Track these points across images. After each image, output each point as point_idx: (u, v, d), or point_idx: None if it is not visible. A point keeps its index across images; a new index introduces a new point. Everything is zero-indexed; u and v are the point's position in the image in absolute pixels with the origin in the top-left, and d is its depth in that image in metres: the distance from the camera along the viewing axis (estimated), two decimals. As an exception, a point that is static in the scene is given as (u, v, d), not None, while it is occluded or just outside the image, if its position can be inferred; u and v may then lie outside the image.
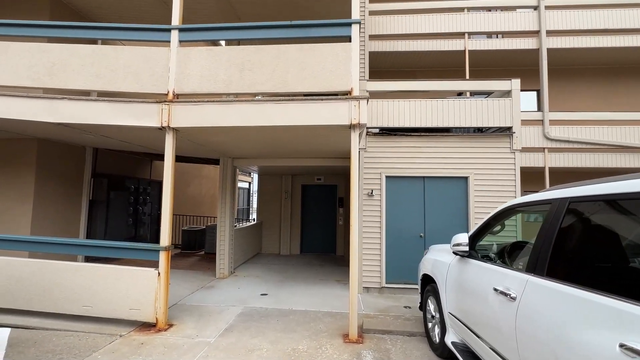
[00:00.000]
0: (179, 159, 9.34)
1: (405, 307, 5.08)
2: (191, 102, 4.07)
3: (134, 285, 3.99)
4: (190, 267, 7.42)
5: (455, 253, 3.02)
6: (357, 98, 3.88)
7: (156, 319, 3.93)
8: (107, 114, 4.12)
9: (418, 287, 4.09)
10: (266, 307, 4.82)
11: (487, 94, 6.13)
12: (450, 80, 6.15)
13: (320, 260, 8.50)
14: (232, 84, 4.10)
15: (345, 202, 9.26)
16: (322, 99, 3.91)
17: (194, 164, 12.34)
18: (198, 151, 6.32)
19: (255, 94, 4.10)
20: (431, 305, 3.60)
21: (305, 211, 9.75)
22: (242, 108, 3.99)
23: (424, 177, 5.86)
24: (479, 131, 5.94)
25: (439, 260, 3.37)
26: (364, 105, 3.88)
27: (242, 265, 7.68)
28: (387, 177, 5.85)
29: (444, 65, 8.67)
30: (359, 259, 5.68)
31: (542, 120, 7.49)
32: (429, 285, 3.70)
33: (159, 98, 4.11)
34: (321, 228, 9.65)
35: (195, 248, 8.77)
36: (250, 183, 22.44)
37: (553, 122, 7.48)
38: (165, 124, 4.05)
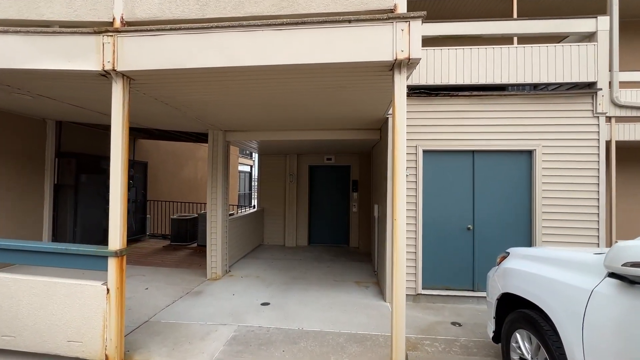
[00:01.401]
0: (159, 135, 7.93)
1: (454, 324, 3.80)
2: (147, 31, 2.66)
3: (72, 307, 2.72)
4: (178, 264, 6.19)
5: (614, 276, 1.66)
6: (405, 18, 2.44)
7: (105, 355, 2.67)
8: (22, 54, 2.74)
9: (491, 311, 2.75)
10: (268, 327, 3.55)
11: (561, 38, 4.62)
12: (516, 21, 4.63)
13: (332, 254, 7.24)
14: (210, 4, 2.67)
15: (361, 186, 7.91)
16: (349, 21, 2.48)
17: (187, 144, 11.02)
18: (175, 120, 4.95)
19: (244, 19, 2.69)
20: (524, 344, 2.29)
21: (313, 196, 8.43)
22: (225, 39, 2.58)
23: (473, 152, 4.46)
24: (546, 89, 4.47)
25: (557, 280, 2.00)
26: (417, 28, 2.45)
27: (239, 262, 6.44)
28: (424, 151, 4.46)
29: (487, 12, 7.03)
30: (397, 260, 4.38)
31: (609, 82, 5.96)
32: (517, 312, 2.38)
33: (101, 27, 2.71)
34: (332, 216, 8.35)
35: (186, 240, 7.55)
36: (252, 166, 21.13)
37: (624, 85, 5.95)
38: (109, 67, 2.66)
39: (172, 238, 7.65)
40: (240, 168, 18.53)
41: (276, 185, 8.33)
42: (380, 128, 5.19)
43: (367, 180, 7.81)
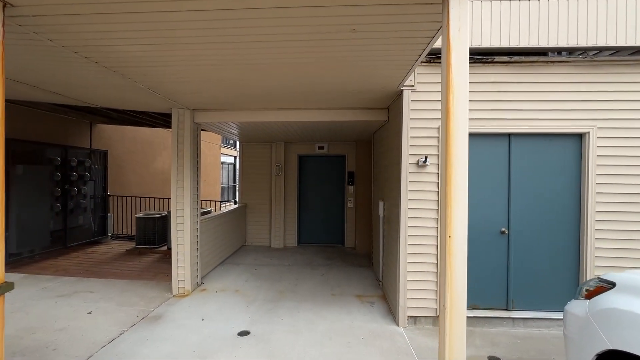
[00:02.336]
0: (120, 119, 6.63)
1: (491, 358, 2.90)
2: None
3: None
4: (140, 274, 5.08)
5: None
6: None
7: None
8: None
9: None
10: (245, 378, 2.55)
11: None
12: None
13: (326, 257, 6.27)
14: None
15: (358, 178, 6.92)
16: None
17: (160, 130, 9.75)
18: (124, 94, 3.76)
19: None
20: None
21: (303, 190, 7.40)
22: None
23: (509, 135, 3.52)
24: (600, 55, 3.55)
25: None
26: None
27: (215, 270, 5.38)
28: (449, 134, 3.48)
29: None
30: (402, 272, 3.43)
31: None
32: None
33: None
34: (324, 212, 7.36)
35: (154, 242, 6.42)
36: (236, 157, 19.84)
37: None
38: (-45, -26, 1.53)
39: (137, 240, 6.49)
40: (224, 159, 17.25)
41: (260, 178, 7.25)
42: (389, 107, 4.19)
43: (366, 172, 6.83)
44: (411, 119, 3.45)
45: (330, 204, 7.34)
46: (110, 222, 7.29)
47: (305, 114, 4.33)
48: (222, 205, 11.42)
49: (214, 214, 5.62)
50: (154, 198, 9.05)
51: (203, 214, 6.40)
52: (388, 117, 4.24)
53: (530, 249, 3.49)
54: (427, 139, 3.48)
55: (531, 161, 3.51)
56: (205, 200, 9.64)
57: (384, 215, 4.51)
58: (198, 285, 4.60)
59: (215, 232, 5.42)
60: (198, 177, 4.66)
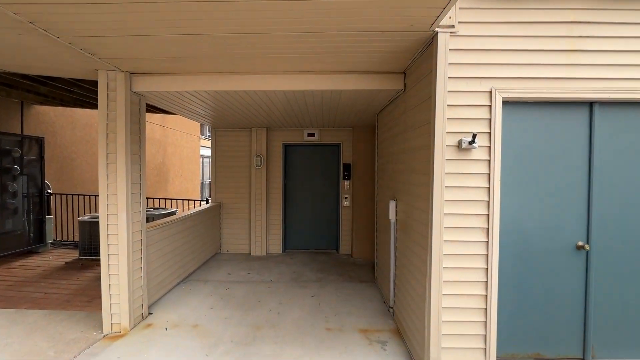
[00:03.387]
0: (51, 95, 4.55)
1: None
2: None
3: None
4: (71, 299, 3.79)
5: None
6: None
7: None
8: None
9: None
10: None
11: None
12: None
13: (317, 268, 5.09)
14: None
15: (356, 171, 5.74)
16: None
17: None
18: (26, 42, 2.46)
19: None
20: None
21: (289, 186, 6.18)
22: None
23: (591, 103, 2.39)
24: None
25: None
26: None
27: (173, 292, 4.13)
28: (506, 102, 2.33)
29: None
30: (434, 307, 2.27)
31: None
32: None
33: None
34: (315, 212, 6.17)
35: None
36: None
37: None
38: None
39: (81, 250, 5.16)
40: (204, 152, 15.82)
41: (237, 172, 5.99)
42: (405, 71, 3.00)
43: (366, 163, 5.65)
44: (451, 79, 2.28)
45: (323, 203, 6.15)
46: (51, 227, 5.91)
47: (290, 81, 3.10)
48: (194, 205, 10.10)
49: (172, 218, 4.35)
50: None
51: (163, 216, 5.11)
52: (405, 84, 3.05)
53: (622, 272, 2.39)
54: (473, 109, 2.31)
55: (627, 143, 2.39)
56: (176, 200, 8.31)
57: (396, 219, 3.35)
58: (143, 317, 3.35)
59: (173, 242, 4.16)
60: (142, 170, 3.38)
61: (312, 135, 5.95)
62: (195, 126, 13.72)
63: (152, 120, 10.20)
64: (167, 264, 3.99)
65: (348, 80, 3.08)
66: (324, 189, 6.14)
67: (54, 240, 6.06)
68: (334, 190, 6.12)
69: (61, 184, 6.74)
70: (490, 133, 2.29)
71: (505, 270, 2.40)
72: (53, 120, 6.58)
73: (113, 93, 3.04)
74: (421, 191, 2.53)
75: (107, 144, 3.04)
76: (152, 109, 5.38)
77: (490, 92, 2.28)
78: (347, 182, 5.90)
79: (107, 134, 3.04)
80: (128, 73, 3.08)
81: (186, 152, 13.01)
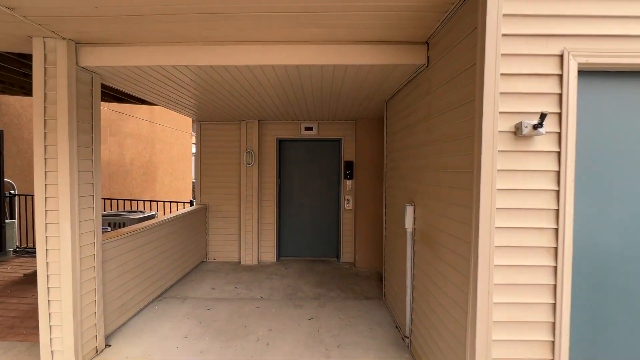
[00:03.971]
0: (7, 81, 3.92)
1: None
2: None
3: None
4: (16, 324, 3.10)
5: None
6: None
7: None
8: None
9: None
10: None
11: None
12: None
13: (316, 281, 4.42)
14: None
15: (359, 170, 5.07)
16: None
17: (104, 110, 7.59)
18: None
19: None
20: None
21: (284, 186, 5.51)
22: None
23: (697, 75, 1.73)
24: None
25: None
26: None
27: (142, 315, 3.44)
28: (583, 71, 1.66)
29: None
30: (480, 352, 1.61)
31: None
32: None
33: None
34: (313, 215, 5.51)
35: (69, 262, 4.44)
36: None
37: None
38: None
39: (43, 260, 4.47)
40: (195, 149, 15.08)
41: (226, 170, 5.31)
42: (428, 42, 2.34)
43: (371, 160, 4.99)
44: (506, 38, 1.61)
45: (321, 205, 5.49)
46: (14, 232, 5.20)
47: (283, 54, 2.43)
48: (184, 207, 9.43)
49: (142, 225, 3.65)
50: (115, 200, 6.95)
51: (138, 220, 4.43)
52: (428, 57, 2.39)
53: None
54: (535, 80, 1.65)
55: None
56: (164, 202, 7.63)
57: (414, 228, 2.69)
58: (97, 352, 2.67)
59: (144, 253, 3.47)
60: (96, 167, 2.69)
61: (310, 129, 5.28)
62: (187, 122, 13.01)
63: (139, 115, 9.51)
64: (135, 281, 3.31)
65: (356, 53, 2.41)
66: (323, 189, 5.47)
67: (17, 247, 5.36)
68: (334, 191, 5.45)
69: (29, 184, 6.03)
70: (560, 114, 1.63)
71: (581, 308, 1.74)
72: (19, 113, 5.87)
73: (53, 68, 2.35)
74: (457, 196, 1.87)
75: (44, 133, 2.36)
76: (125, 97, 4.68)
77: (561, 55, 1.62)
78: (349, 182, 5.24)
79: (44, 120, 2.36)
80: (73, 42, 2.39)
81: (177, 150, 12.29)
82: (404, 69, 2.59)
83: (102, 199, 7.03)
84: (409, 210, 2.72)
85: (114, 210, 5.28)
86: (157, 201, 6.43)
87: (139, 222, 4.39)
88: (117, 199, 7.14)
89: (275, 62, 2.46)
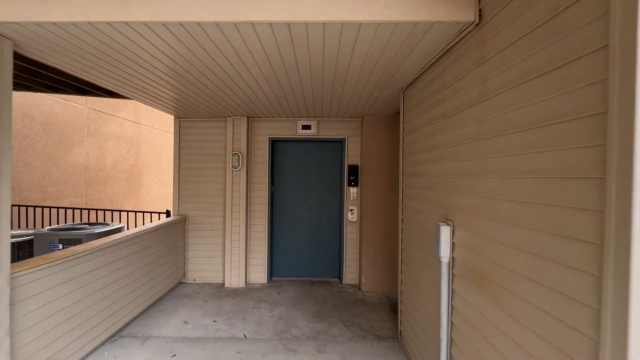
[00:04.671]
0: None
1: None
2: None
3: None
4: None
5: None
6: None
7: None
8: None
9: None
10: None
11: None
12: None
13: (314, 312, 3.62)
14: None
15: (366, 175, 4.29)
16: None
17: (81, 108, 6.84)
18: None
19: None
20: None
21: (278, 194, 4.73)
22: None
23: None
24: None
25: None
26: None
27: (89, 360, 2.62)
28: None
29: None
30: None
31: None
32: None
33: None
34: (311, 228, 4.72)
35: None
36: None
37: None
38: None
39: (-20, 283, 3.64)
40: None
41: (209, 175, 4.52)
42: None
43: (380, 164, 4.23)
44: None
45: (321, 216, 4.70)
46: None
47: (266, 5, 1.67)
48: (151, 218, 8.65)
49: (87, 246, 2.84)
50: (65, 208, 6.15)
51: (98, 236, 3.64)
52: (480, 11, 1.64)
53: None
54: None
55: None
56: (150, 212, 6.82)
57: (453, 258, 1.91)
58: None
59: (90, 284, 2.65)
60: (4, 170, 1.90)
61: (308, 127, 4.52)
62: (168, 119, 12.25)
63: (123, 114, 8.75)
64: (74, 321, 2.50)
65: (372, 4, 1.66)
66: (322, 198, 4.69)
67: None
68: (335, 200, 4.67)
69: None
70: None
71: None
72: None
73: None
74: (554, 219, 1.10)
75: None
76: (90, 88, 3.92)
77: None
78: (353, 190, 4.47)
79: None
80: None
81: (166, 153, 11.50)
82: (440, 33, 1.83)
83: (80, 209, 6.23)
84: (445, 232, 1.94)
85: (73, 223, 4.49)
86: (147, 212, 5.62)
87: (98, 237, 3.59)
88: (82, 209, 6.30)
89: (255, 18, 1.70)
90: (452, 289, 1.93)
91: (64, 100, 6.80)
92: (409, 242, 2.79)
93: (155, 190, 10.66)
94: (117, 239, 3.08)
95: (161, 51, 2.14)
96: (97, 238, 3.64)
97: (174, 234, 4.27)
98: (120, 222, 6.21)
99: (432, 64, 2.28)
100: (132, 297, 3.29)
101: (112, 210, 6.21)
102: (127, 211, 5.82)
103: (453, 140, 1.94)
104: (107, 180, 8.20)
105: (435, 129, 2.23)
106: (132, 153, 9.36)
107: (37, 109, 6.12)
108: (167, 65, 2.42)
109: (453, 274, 1.93)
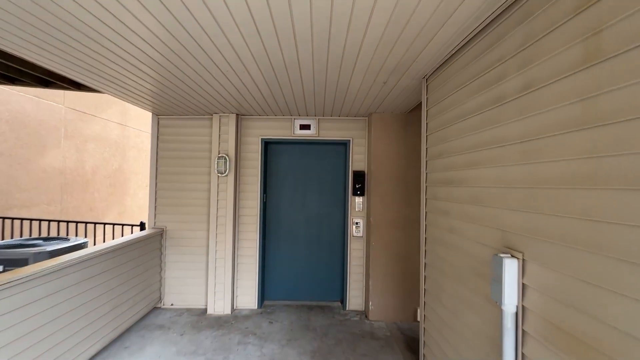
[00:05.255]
0: None
1: None
2: None
3: None
4: None
5: None
6: None
7: None
8: None
9: None
10: None
11: None
12: None
13: (312, 349, 2.96)
14: None
15: (372, 183, 3.66)
16: None
17: (58, 107, 6.20)
18: None
19: None
20: None
21: (271, 204, 4.09)
22: None
23: None
24: None
25: None
26: None
27: None
28: None
29: None
30: None
31: None
32: None
33: None
34: (309, 244, 4.07)
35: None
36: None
37: None
38: None
39: None
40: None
41: (190, 182, 3.89)
42: None
43: (392, 170, 3.61)
44: None
45: (321, 230, 4.06)
46: None
47: None
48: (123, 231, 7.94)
49: (25, 270, 2.18)
50: (36, 220, 5.46)
51: (50, 255, 2.98)
52: None
53: None
54: None
55: None
56: (103, 224, 6.16)
57: (524, 308, 1.28)
58: None
59: (21, 324, 1.99)
60: None
61: (307, 127, 3.92)
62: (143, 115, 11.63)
63: (107, 115, 8.12)
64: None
65: None
66: (323, 209, 4.06)
67: None
68: (338, 211, 4.05)
69: None
70: None
71: None
72: None
73: None
74: None
75: None
76: (56, 81, 3.30)
77: None
78: (358, 200, 3.85)
79: None
80: None
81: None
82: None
83: (53, 221, 5.52)
84: (511, 268, 1.32)
85: (22, 238, 3.82)
86: (129, 225, 4.89)
87: (51, 257, 2.94)
88: (49, 220, 5.57)
89: None
90: (523, 354, 1.30)
91: (37, 97, 6.16)
92: (439, 269, 2.17)
93: (142, 198, 9.96)
94: (68, 261, 2.42)
95: (130, 29, 1.53)
96: (50, 257, 2.99)
97: (148, 250, 3.61)
98: (91, 236, 5.48)
99: (478, 33, 1.68)
100: (87, 333, 2.61)
101: (83, 222, 5.51)
102: (90, 223, 5.09)
103: (526, 131, 1.33)
104: (86, 187, 7.51)
105: (484, 120, 1.63)
106: (116, 157, 8.70)
107: (2, 106, 5.48)
108: (139, 48, 1.81)
109: (524, 332, 1.30)
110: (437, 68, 2.22)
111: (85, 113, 7.49)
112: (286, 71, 2.39)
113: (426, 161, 2.42)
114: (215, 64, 2.24)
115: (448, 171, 2.05)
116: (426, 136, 2.42)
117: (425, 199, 2.41)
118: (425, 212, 2.40)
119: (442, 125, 2.14)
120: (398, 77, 2.47)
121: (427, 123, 2.42)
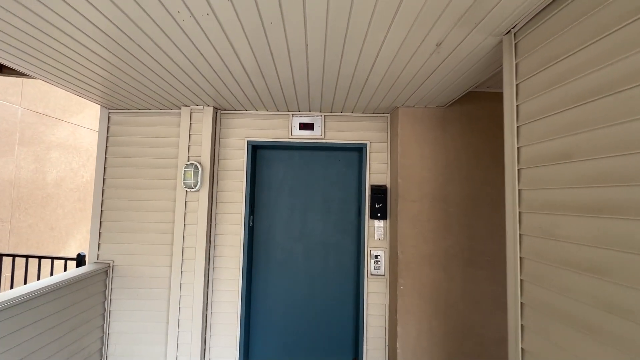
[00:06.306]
0: None
1: None
2: None
3: None
4: None
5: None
6: None
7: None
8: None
9: None
10: None
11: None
12: None
13: None
14: None
15: (397, 201, 2.64)
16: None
17: (12, 107, 5.17)
18: None
19: None
20: None
21: (259, 230, 3.05)
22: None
23: None
24: None
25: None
26: None
27: None
28: None
29: None
30: None
31: None
32: None
33: None
34: (311, 284, 3.01)
35: None
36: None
37: None
38: None
39: None
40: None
41: (148, 198, 2.84)
42: None
43: (429, 184, 2.62)
44: None
45: (327, 264, 3.02)
46: None
47: None
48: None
49: None
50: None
51: None
52: None
53: None
54: None
55: None
56: (26, 256, 5.08)
57: None
58: None
59: None
60: None
61: (309, 127, 2.93)
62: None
63: (77, 120, 7.11)
64: None
65: None
66: (329, 236, 3.03)
67: None
68: (350, 239, 3.01)
69: None
70: None
71: None
72: None
73: None
74: None
75: None
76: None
77: None
78: (379, 225, 2.83)
79: None
80: None
81: (136, 170, 9.76)
82: None
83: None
84: None
85: None
86: (14, 256, 3.75)
87: None
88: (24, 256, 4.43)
89: None
90: None
91: (-17, 95, 5.15)
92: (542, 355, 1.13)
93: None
94: None
95: None
96: None
97: (86, 296, 2.53)
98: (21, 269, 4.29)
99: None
100: None
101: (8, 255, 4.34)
102: (6, 256, 3.86)
103: None
104: (47, 201, 6.40)
105: None
106: (87, 168, 7.62)
107: None
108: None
109: None
110: (538, 14, 1.27)
111: (48, 116, 6.46)
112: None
113: (518, 170, 1.42)
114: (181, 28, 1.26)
115: (587, 186, 1.05)
116: (517, 128, 1.44)
117: (520, 234, 1.40)
118: (520, 258, 1.39)
119: (564, 105, 1.16)
120: (465, 32, 1.51)
121: (517, 106, 1.44)
